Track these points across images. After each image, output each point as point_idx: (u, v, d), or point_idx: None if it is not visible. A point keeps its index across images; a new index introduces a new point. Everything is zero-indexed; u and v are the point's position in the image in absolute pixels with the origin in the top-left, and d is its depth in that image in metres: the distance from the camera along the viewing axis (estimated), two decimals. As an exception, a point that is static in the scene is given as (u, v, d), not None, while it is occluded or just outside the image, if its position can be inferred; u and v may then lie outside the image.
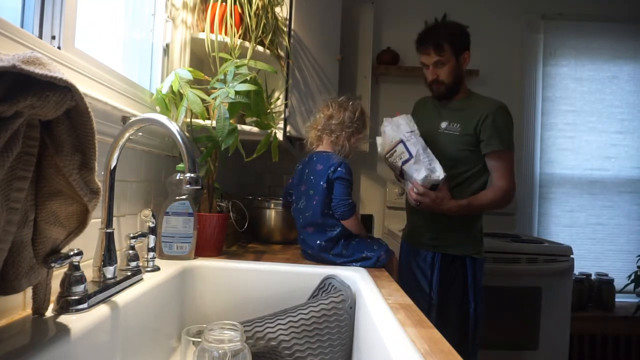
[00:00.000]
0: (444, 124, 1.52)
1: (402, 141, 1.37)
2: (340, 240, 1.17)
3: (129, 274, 0.76)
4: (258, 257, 1.18)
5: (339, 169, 1.17)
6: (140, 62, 1.16)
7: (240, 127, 1.21)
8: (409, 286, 1.56)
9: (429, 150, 1.35)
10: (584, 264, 2.49)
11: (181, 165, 1.06)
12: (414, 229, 1.61)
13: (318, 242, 1.17)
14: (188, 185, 0.67)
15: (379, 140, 1.49)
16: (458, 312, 1.48)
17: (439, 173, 1.32)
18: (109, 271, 0.69)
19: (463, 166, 1.48)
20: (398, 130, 1.40)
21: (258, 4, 1.29)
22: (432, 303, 1.49)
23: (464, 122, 1.48)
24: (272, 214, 1.52)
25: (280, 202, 1.51)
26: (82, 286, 0.60)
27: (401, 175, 1.46)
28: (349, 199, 1.18)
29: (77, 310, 0.58)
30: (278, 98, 1.52)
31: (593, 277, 2.41)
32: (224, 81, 1.08)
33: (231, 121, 1.06)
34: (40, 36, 0.70)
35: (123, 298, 0.68)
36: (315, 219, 1.19)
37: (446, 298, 1.48)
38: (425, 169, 1.32)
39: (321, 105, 1.31)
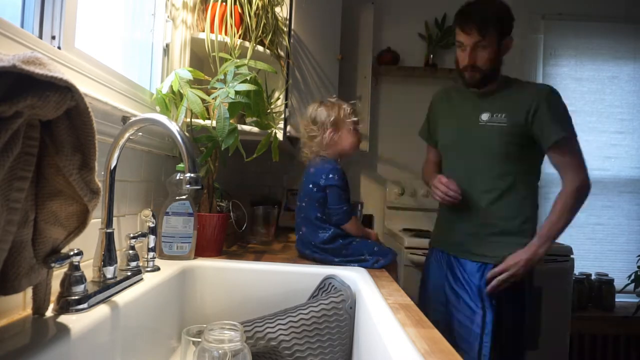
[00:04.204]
0: (485, 116, 1.33)
1: None
2: (338, 240, 1.17)
3: (129, 274, 0.76)
4: (258, 257, 1.18)
5: (330, 175, 1.16)
6: (140, 62, 1.16)
7: (240, 127, 1.21)
8: (441, 305, 1.35)
9: None
10: (584, 264, 2.49)
11: (181, 165, 1.06)
12: (455, 233, 1.39)
13: (313, 242, 1.18)
14: (188, 185, 0.67)
15: None
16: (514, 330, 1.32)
17: None
18: (109, 271, 0.69)
19: (511, 163, 1.31)
20: None
21: (258, 4, 1.29)
22: (486, 321, 1.27)
23: (510, 111, 1.30)
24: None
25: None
26: (82, 286, 0.60)
27: None
28: (344, 206, 1.16)
29: (77, 310, 0.58)
30: (278, 98, 1.52)
31: (593, 277, 2.41)
32: (224, 81, 1.08)
33: (231, 121, 1.06)
34: (40, 36, 0.70)
35: (123, 298, 0.68)
36: (308, 220, 1.20)
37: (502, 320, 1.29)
38: None
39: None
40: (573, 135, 1.29)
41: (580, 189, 1.31)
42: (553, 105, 1.27)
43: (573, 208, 1.32)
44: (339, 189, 1.16)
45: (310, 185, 1.19)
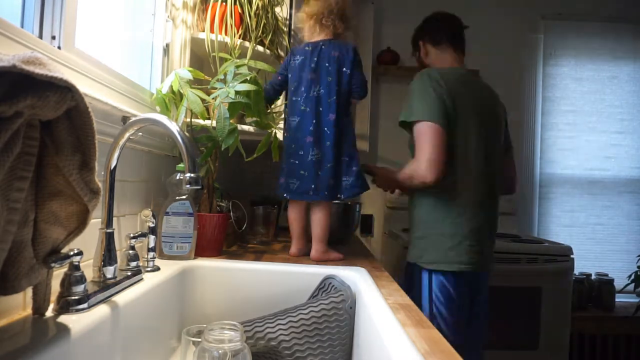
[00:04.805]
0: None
1: None
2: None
3: (129, 274, 0.76)
4: (258, 257, 1.18)
5: (356, 54, 1.22)
6: (140, 62, 1.16)
7: (240, 127, 1.21)
8: None
9: None
10: (584, 264, 2.49)
11: (181, 165, 1.06)
12: None
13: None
14: (188, 185, 0.67)
15: None
16: None
17: None
18: (109, 271, 0.69)
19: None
20: None
21: (258, 4, 1.30)
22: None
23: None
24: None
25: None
26: (82, 286, 0.60)
27: None
28: (365, 79, 1.26)
29: (77, 310, 0.58)
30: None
31: (593, 277, 2.41)
32: (224, 81, 1.08)
33: (231, 121, 1.06)
34: (40, 36, 0.70)
35: (123, 298, 0.68)
36: (339, 107, 1.19)
37: None
38: None
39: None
40: (414, 119, 1.30)
41: (417, 169, 1.28)
42: (409, 89, 1.35)
43: (405, 175, 1.34)
44: (361, 62, 1.25)
45: (344, 69, 1.20)
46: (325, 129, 1.18)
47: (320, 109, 1.19)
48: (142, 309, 0.75)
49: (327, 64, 1.19)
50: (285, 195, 1.22)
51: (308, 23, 1.25)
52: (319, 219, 1.20)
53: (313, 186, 1.18)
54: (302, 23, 1.27)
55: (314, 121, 1.18)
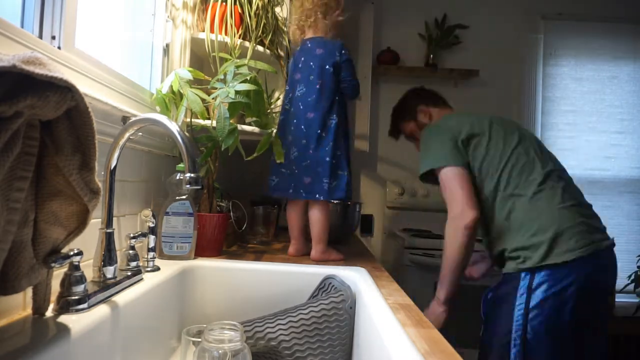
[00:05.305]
0: None
1: None
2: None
3: (129, 274, 0.76)
4: (258, 257, 1.18)
5: (343, 51, 1.19)
6: (140, 62, 1.16)
7: (240, 127, 1.21)
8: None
9: None
10: (584, 264, 2.49)
11: (181, 165, 1.06)
12: None
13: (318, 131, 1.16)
14: (188, 185, 0.67)
15: None
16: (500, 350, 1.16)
17: None
18: (109, 271, 0.69)
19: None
20: None
21: (258, 4, 1.30)
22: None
23: None
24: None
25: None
26: (82, 286, 0.60)
27: None
28: (356, 80, 1.23)
29: (77, 310, 0.58)
30: (278, 98, 1.52)
31: (593, 277, 2.41)
32: (224, 81, 1.08)
33: (231, 121, 1.06)
34: (40, 36, 0.70)
35: (123, 298, 0.68)
36: (318, 105, 1.17)
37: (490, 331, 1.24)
38: None
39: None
40: (437, 166, 1.28)
41: (449, 223, 1.26)
42: (421, 143, 1.37)
43: (449, 249, 1.26)
44: (352, 62, 1.21)
45: (327, 66, 1.17)
46: (302, 127, 1.18)
47: (301, 107, 1.19)
48: (142, 309, 0.75)
49: (310, 63, 1.19)
50: (265, 192, 1.24)
51: (291, 30, 1.29)
52: (317, 219, 1.20)
53: (293, 184, 1.18)
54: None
55: (294, 120, 1.20)
